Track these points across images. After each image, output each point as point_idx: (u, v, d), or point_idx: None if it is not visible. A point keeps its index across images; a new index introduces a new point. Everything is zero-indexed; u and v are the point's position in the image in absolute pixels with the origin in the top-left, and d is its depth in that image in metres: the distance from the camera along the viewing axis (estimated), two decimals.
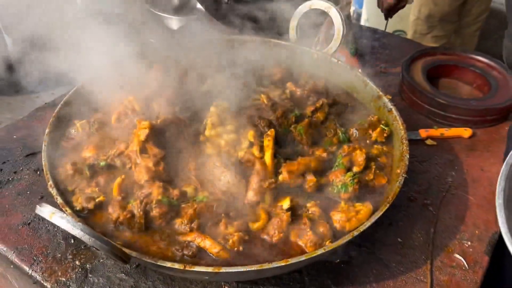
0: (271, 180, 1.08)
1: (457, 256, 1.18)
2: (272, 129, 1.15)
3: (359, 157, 1.15)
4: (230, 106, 1.23)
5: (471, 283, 1.11)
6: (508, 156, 1.04)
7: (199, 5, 2.33)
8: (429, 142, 1.51)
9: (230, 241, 0.98)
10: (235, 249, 0.99)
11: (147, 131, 1.14)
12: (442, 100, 1.56)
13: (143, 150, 1.15)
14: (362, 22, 3.97)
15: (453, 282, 1.12)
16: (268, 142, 1.15)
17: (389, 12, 2.16)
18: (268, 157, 1.13)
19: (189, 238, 1.00)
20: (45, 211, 0.77)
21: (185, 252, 0.98)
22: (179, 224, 1.03)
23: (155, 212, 1.03)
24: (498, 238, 1.23)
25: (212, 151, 1.17)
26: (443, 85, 1.76)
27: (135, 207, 1.03)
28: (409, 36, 3.12)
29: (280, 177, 1.10)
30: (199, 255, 0.99)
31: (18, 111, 1.96)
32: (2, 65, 2.20)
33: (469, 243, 1.21)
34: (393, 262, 1.15)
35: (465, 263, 1.16)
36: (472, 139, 1.53)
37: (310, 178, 1.10)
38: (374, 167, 1.14)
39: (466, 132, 1.53)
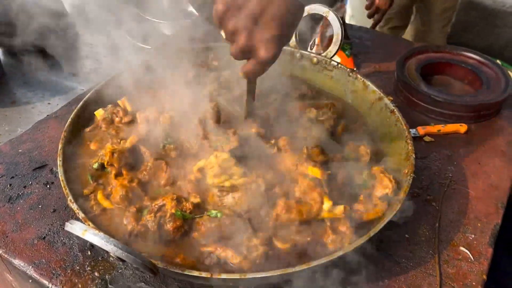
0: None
1: (463, 249, 1.23)
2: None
3: (364, 152, 1.21)
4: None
5: (478, 274, 1.17)
6: None
7: (191, 8, 2.35)
8: (427, 139, 1.57)
9: (255, 253, 0.99)
10: (257, 261, 1.00)
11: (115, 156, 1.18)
12: (437, 97, 1.62)
13: (118, 174, 1.19)
14: (347, 18, 4.02)
15: (460, 274, 1.17)
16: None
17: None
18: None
19: (209, 249, 1.02)
20: (77, 228, 0.79)
21: (206, 262, 1.01)
22: (197, 237, 1.05)
23: (169, 226, 1.05)
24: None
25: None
26: (436, 82, 1.82)
27: (149, 220, 1.05)
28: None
29: None
30: (219, 265, 1.01)
31: (15, 122, 1.94)
32: None
33: (472, 235, 1.26)
34: (403, 258, 1.20)
35: (470, 255, 1.21)
36: (468, 134, 1.59)
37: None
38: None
39: (462, 127, 1.58)
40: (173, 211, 1.06)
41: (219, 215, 1.08)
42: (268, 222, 1.05)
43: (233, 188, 1.08)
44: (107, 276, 1.14)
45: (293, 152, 1.15)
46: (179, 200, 1.09)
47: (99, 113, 1.37)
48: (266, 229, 1.04)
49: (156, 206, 1.09)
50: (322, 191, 1.07)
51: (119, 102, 1.39)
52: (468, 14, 4.19)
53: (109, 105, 1.38)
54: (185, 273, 0.90)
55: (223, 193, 1.08)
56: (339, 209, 1.06)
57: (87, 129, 1.33)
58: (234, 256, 0.98)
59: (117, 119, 1.36)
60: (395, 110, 1.31)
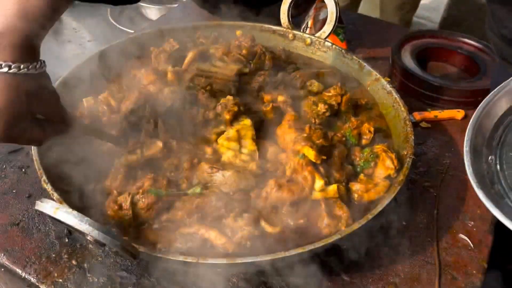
0: None
1: (462, 236, 1.18)
2: None
3: (367, 129, 1.15)
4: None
5: (478, 262, 1.12)
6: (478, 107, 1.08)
7: None
8: (423, 124, 1.51)
9: (240, 234, 0.92)
10: (242, 243, 0.93)
11: None
12: (435, 82, 1.56)
13: None
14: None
15: (460, 262, 1.11)
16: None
17: None
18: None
19: (192, 230, 0.95)
20: (48, 206, 0.71)
21: (189, 244, 0.93)
22: (180, 217, 0.98)
23: (141, 203, 0.98)
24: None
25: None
26: (431, 68, 1.77)
27: (123, 200, 0.97)
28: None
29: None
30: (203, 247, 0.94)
31: None
32: None
33: (472, 222, 1.21)
34: (400, 245, 1.14)
35: (470, 242, 1.16)
36: (465, 120, 1.54)
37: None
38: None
39: (459, 113, 1.53)
40: (146, 187, 1.00)
41: (198, 190, 1.01)
42: (258, 203, 0.98)
43: (224, 166, 1.01)
44: (85, 265, 1.06)
45: (295, 129, 1.07)
46: (155, 179, 1.02)
47: (88, 102, 1.22)
48: (253, 210, 0.97)
49: (135, 187, 1.03)
50: (314, 170, 1.00)
51: (101, 97, 1.24)
52: (458, 9, 4.16)
53: (99, 97, 1.24)
54: (168, 257, 0.82)
55: (213, 169, 1.00)
56: (333, 188, 0.99)
57: None
58: (218, 237, 0.91)
59: (104, 118, 1.20)
60: (392, 91, 1.25)
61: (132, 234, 0.97)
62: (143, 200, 0.98)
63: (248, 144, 1.06)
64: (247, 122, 1.07)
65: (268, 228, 0.97)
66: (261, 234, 0.96)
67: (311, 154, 1.02)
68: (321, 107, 1.15)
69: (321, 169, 1.01)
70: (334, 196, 0.99)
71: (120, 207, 0.97)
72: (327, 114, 1.16)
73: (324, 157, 1.04)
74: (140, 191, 0.98)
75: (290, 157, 1.03)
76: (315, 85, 1.24)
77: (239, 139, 1.06)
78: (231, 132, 1.07)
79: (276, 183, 0.98)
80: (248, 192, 1.00)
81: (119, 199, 0.98)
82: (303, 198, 0.99)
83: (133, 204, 0.97)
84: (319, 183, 0.99)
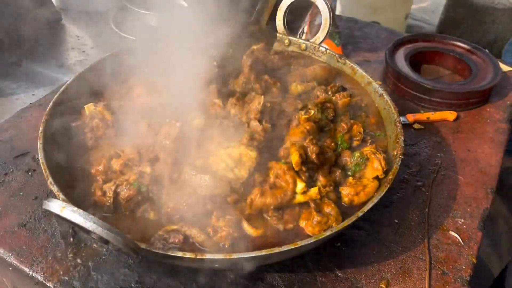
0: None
1: (452, 233, 1.22)
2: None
3: (357, 131, 1.20)
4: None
5: (467, 258, 1.16)
6: None
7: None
8: (416, 126, 1.56)
9: (219, 235, 0.97)
10: (221, 244, 0.98)
11: None
12: (427, 85, 1.61)
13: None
14: (337, 13, 4.01)
15: (450, 258, 1.16)
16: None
17: None
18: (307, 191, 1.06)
19: (175, 227, 1.00)
20: (55, 205, 0.76)
21: (172, 240, 0.98)
22: (164, 214, 1.03)
23: (122, 195, 1.04)
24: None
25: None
26: (424, 71, 1.81)
27: (108, 189, 1.05)
28: None
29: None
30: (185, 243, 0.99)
31: None
32: None
33: (462, 220, 1.25)
34: (392, 242, 1.18)
35: (460, 239, 1.20)
36: (457, 122, 1.58)
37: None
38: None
39: (451, 115, 1.58)
40: (131, 181, 1.06)
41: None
42: (241, 207, 1.03)
43: (204, 171, 1.04)
44: (90, 263, 1.11)
45: (301, 132, 1.13)
46: (141, 174, 1.08)
47: (90, 109, 1.25)
48: (236, 213, 1.02)
49: (123, 179, 1.08)
50: (295, 174, 1.04)
51: (96, 110, 1.25)
52: (456, 11, 4.20)
53: (98, 107, 1.26)
54: (168, 254, 0.87)
55: (193, 172, 1.04)
56: (314, 190, 1.04)
57: (74, 123, 1.24)
58: (198, 235, 0.96)
59: (99, 133, 1.23)
60: (383, 94, 1.30)
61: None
62: (124, 191, 1.04)
63: (242, 171, 1.08)
64: (253, 154, 1.08)
65: (250, 230, 1.01)
66: (242, 236, 1.00)
67: (295, 159, 1.06)
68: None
69: (303, 176, 1.05)
70: (316, 198, 1.04)
71: (104, 194, 1.04)
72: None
73: (304, 169, 1.07)
74: (125, 182, 1.04)
75: (274, 164, 1.07)
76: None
77: (238, 160, 1.08)
78: (235, 152, 1.09)
79: (260, 190, 1.03)
80: (223, 197, 1.04)
81: (104, 187, 1.05)
82: (286, 201, 1.03)
83: (116, 193, 1.04)
84: (300, 185, 1.03)
